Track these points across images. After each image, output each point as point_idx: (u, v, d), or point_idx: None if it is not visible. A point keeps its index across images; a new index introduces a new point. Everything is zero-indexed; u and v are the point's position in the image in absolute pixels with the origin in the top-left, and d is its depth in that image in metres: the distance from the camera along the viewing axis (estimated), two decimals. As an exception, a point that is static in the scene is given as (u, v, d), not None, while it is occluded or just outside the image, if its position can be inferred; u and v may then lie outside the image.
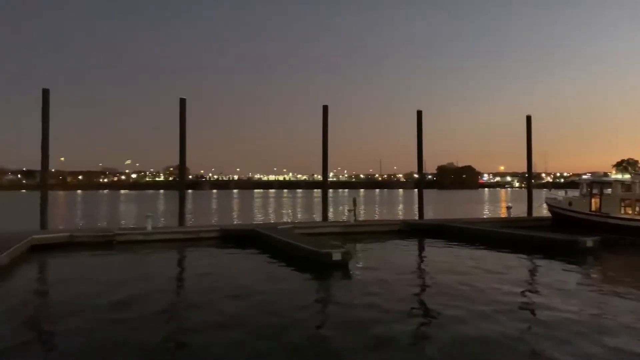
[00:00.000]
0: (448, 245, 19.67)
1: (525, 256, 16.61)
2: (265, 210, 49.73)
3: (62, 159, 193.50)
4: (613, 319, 8.72)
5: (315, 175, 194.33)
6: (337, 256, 14.30)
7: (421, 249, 19.66)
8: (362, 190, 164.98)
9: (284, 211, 48.20)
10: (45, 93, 21.82)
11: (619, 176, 24.61)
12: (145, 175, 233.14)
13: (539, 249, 17.96)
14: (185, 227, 23.21)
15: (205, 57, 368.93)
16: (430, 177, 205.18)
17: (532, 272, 14.33)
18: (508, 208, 29.79)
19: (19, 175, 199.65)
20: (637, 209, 21.69)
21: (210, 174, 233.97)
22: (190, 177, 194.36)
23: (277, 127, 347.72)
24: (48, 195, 22.14)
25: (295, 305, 9.79)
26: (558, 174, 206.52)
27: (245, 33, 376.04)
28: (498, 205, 58.35)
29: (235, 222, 31.68)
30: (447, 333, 7.91)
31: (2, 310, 9.49)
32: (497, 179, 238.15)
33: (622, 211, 22.31)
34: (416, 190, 30.54)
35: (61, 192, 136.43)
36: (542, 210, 29.29)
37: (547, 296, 10.64)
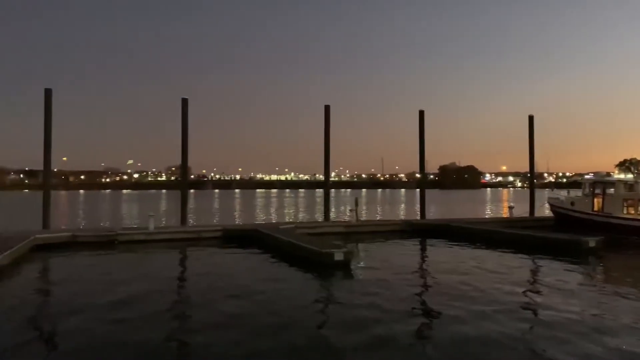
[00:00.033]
0: (450, 245, 19.65)
1: (527, 256, 16.58)
2: (267, 210, 49.76)
3: (65, 158, 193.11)
4: (615, 319, 8.69)
5: (317, 175, 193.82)
6: (339, 256, 14.30)
7: (423, 249, 19.63)
8: (364, 190, 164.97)
9: (285, 211, 48.21)
10: (48, 93, 21.86)
11: (622, 176, 24.60)
12: (147, 175, 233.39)
13: (541, 249, 17.92)
14: (187, 226, 23.24)
15: (207, 57, 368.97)
16: (432, 177, 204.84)
17: (534, 272, 14.29)
18: (510, 208, 29.72)
19: (22, 175, 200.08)
20: (640, 208, 21.63)
21: (212, 174, 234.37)
22: (192, 176, 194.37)
23: (279, 127, 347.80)
24: (50, 195, 22.20)
25: (296, 305, 9.79)
26: (560, 174, 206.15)
27: (246, 33, 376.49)
28: (500, 205, 58.30)
29: (237, 222, 31.71)
30: (448, 333, 7.90)
31: (3, 310, 9.52)
32: (500, 178, 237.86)
33: (625, 211, 22.26)
34: (418, 190, 30.49)
35: (63, 192, 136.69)
36: (545, 210, 29.22)
37: (548, 296, 10.62)
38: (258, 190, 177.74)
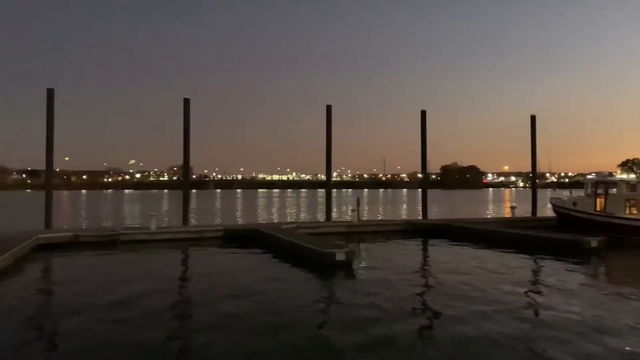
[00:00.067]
0: (452, 245, 19.63)
1: (529, 256, 16.55)
2: (269, 210, 49.79)
3: (67, 158, 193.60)
4: (616, 319, 8.67)
5: (319, 175, 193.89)
6: (340, 256, 14.29)
7: (425, 249, 19.62)
8: (365, 190, 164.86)
9: (287, 211, 48.24)
10: (50, 93, 21.91)
11: (624, 176, 24.51)
12: (149, 175, 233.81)
13: (543, 249, 17.88)
14: (189, 226, 23.27)
15: (207, 57, 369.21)
16: (434, 176, 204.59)
17: (536, 272, 14.27)
18: (512, 208, 29.67)
19: (24, 175, 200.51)
20: (642, 209, 21.58)
21: (214, 174, 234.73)
22: (194, 176, 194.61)
23: (281, 127, 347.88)
24: (53, 195, 22.24)
25: (297, 305, 9.79)
26: (563, 174, 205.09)
27: (246, 33, 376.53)
28: (502, 205, 58.20)
29: (238, 222, 31.73)
30: (448, 333, 7.89)
31: (4, 310, 9.54)
32: (501, 178, 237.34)
33: (627, 211, 22.21)
34: (420, 190, 30.42)
35: (65, 192, 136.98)
36: (547, 210, 29.18)
37: (549, 296, 10.60)
38: (260, 190, 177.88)
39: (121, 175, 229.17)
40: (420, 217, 28.25)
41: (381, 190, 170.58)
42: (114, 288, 11.37)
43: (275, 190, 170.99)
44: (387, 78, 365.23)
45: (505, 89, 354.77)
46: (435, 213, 37.67)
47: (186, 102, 23.97)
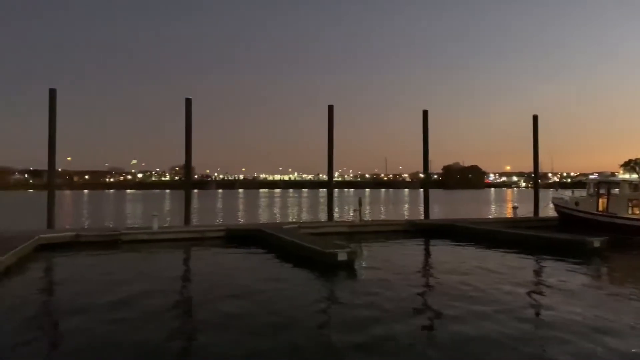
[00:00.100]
0: (454, 245, 19.61)
1: (531, 256, 16.52)
2: (271, 210, 49.81)
3: (69, 158, 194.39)
4: (618, 319, 8.64)
5: (321, 175, 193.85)
6: (342, 256, 14.28)
7: (427, 249, 19.61)
8: (367, 190, 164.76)
9: (289, 211, 48.26)
10: (52, 93, 21.95)
11: (627, 176, 24.46)
12: (151, 175, 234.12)
13: (546, 249, 17.85)
14: (190, 226, 23.27)
15: (208, 57, 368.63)
16: (436, 176, 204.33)
17: (538, 272, 14.25)
18: (514, 208, 29.62)
19: (26, 175, 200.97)
20: (645, 209, 21.52)
21: (215, 174, 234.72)
22: (196, 176, 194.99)
23: (283, 127, 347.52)
24: (55, 194, 22.29)
25: (298, 305, 9.79)
26: (565, 174, 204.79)
27: (246, 33, 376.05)
28: (504, 205, 58.11)
29: (240, 222, 31.76)
30: (448, 333, 7.88)
31: (4, 310, 9.56)
32: (504, 178, 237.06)
33: (630, 211, 22.15)
34: (422, 190, 30.42)
35: (68, 192, 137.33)
36: (549, 211, 29.12)
37: (551, 296, 10.58)
38: (261, 190, 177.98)
39: (123, 175, 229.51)
40: (422, 217, 28.24)
41: (383, 190, 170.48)
42: (115, 288, 11.38)
43: (277, 190, 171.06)
44: (388, 78, 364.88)
45: (507, 89, 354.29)
46: (437, 213, 37.61)
47: (188, 102, 23.99)
